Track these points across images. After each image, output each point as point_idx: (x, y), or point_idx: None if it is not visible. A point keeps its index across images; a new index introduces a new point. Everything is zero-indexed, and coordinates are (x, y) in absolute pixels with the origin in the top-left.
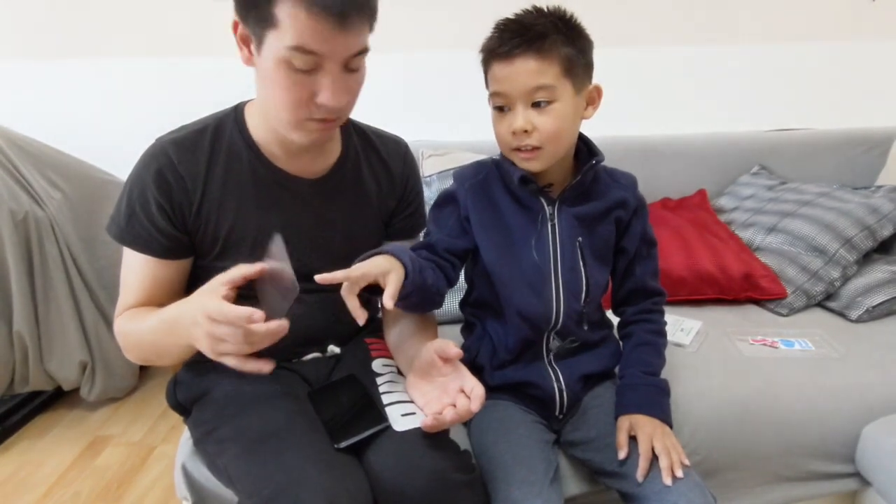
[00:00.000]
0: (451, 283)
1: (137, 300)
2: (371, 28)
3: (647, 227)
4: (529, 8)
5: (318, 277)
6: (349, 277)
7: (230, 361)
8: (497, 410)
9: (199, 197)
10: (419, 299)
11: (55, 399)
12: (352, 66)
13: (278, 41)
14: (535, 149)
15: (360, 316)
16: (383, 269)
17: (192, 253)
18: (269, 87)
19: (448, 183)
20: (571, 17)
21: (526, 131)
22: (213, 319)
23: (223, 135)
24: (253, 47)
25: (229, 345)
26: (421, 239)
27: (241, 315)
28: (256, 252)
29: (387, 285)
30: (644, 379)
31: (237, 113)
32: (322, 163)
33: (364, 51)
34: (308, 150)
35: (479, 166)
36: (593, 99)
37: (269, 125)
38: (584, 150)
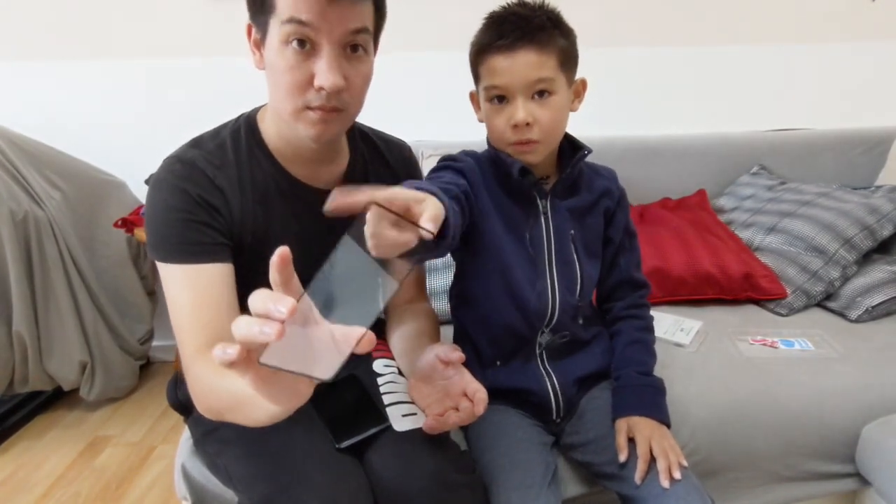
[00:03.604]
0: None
1: (211, 334)
2: (377, 7)
3: (628, 219)
4: (514, 2)
5: (329, 206)
6: (374, 199)
7: None
8: (495, 414)
9: (237, 208)
10: (452, 240)
11: (55, 399)
12: (351, 46)
13: (277, 22)
14: (533, 142)
15: (403, 242)
16: (415, 196)
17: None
18: (273, 76)
19: None
20: (557, 11)
21: (528, 124)
22: None
23: (241, 146)
24: (262, 46)
25: None
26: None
27: None
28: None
29: (424, 211)
30: (639, 379)
31: (249, 123)
32: (333, 171)
33: (364, 30)
34: (318, 153)
35: (470, 154)
36: (579, 92)
37: (281, 131)
38: (567, 144)
